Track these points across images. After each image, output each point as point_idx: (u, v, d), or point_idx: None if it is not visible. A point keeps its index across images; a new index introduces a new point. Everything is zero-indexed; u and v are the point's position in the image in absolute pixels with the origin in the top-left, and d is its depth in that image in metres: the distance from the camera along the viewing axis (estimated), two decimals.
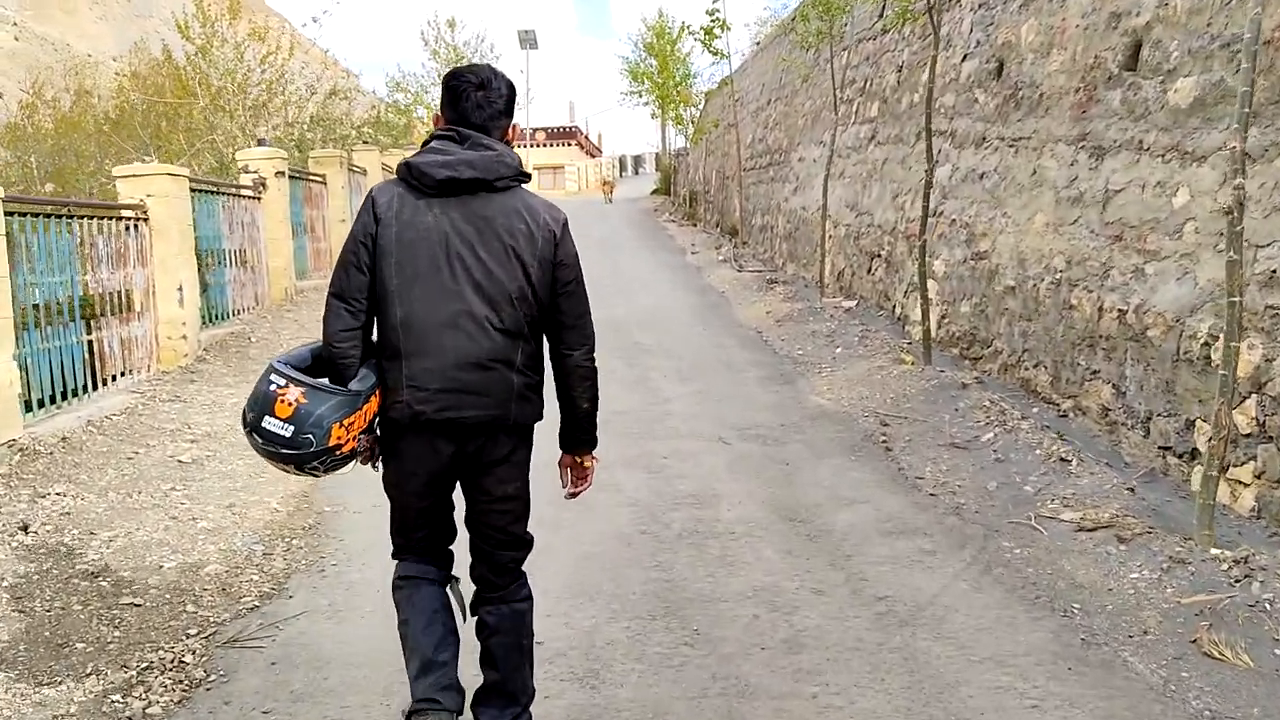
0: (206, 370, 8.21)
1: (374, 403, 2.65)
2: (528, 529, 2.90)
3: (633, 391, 7.82)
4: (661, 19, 43.53)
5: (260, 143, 11.37)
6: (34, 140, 20.00)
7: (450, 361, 2.60)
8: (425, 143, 2.73)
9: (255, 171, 11.11)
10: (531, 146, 51.43)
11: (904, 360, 8.32)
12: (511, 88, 2.77)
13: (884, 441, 6.37)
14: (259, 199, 11.13)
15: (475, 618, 2.88)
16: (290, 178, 12.24)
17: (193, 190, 9.18)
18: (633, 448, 6.27)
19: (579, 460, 2.93)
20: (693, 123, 25.82)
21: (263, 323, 10.29)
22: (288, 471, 2.64)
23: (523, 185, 2.74)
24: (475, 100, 2.68)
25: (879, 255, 10.79)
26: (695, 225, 24.00)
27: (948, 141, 9.23)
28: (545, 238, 2.67)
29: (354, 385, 2.61)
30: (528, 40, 47.26)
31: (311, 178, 13.64)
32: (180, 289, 8.28)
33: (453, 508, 2.87)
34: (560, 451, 2.92)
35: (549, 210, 2.74)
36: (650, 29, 43.59)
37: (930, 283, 9.01)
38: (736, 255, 16.56)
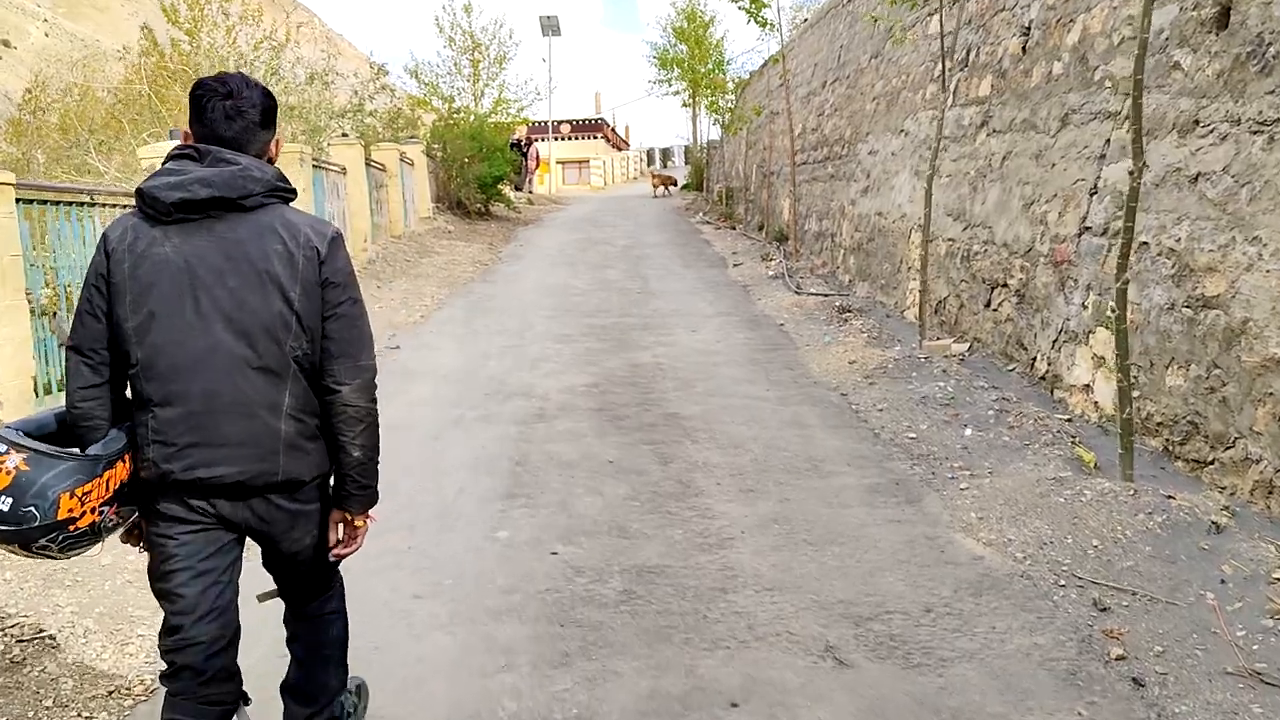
0: None
1: (121, 469, 2.33)
2: (334, 569, 2.76)
3: (669, 519, 5.00)
4: (693, 2, 40.81)
5: (173, 134, 8.62)
6: (38, 134, 18.44)
7: (200, 408, 2.32)
8: (163, 163, 2.40)
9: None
10: (556, 139, 48.88)
11: (1082, 460, 5.45)
12: (268, 97, 2.49)
13: (1120, 661, 3.54)
14: None
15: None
16: None
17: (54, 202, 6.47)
18: (669, 677, 3.48)
19: (349, 518, 2.60)
20: (730, 111, 22.89)
21: None
22: (14, 553, 2.27)
23: (284, 202, 2.44)
24: (223, 111, 2.38)
25: (1003, 284, 7.89)
26: (734, 227, 21.08)
27: (1120, 128, 6.36)
28: (307, 257, 2.38)
29: (95, 449, 2.31)
30: (550, 26, 44.52)
31: None
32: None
33: (235, 593, 2.50)
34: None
35: (314, 225, 2.45)
36: (681, 13, 40.90)
37: (1100, 331, 6.13)
38: (790, 270, 13.64)
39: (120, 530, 2.47)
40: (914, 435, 6.33)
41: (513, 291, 12.99)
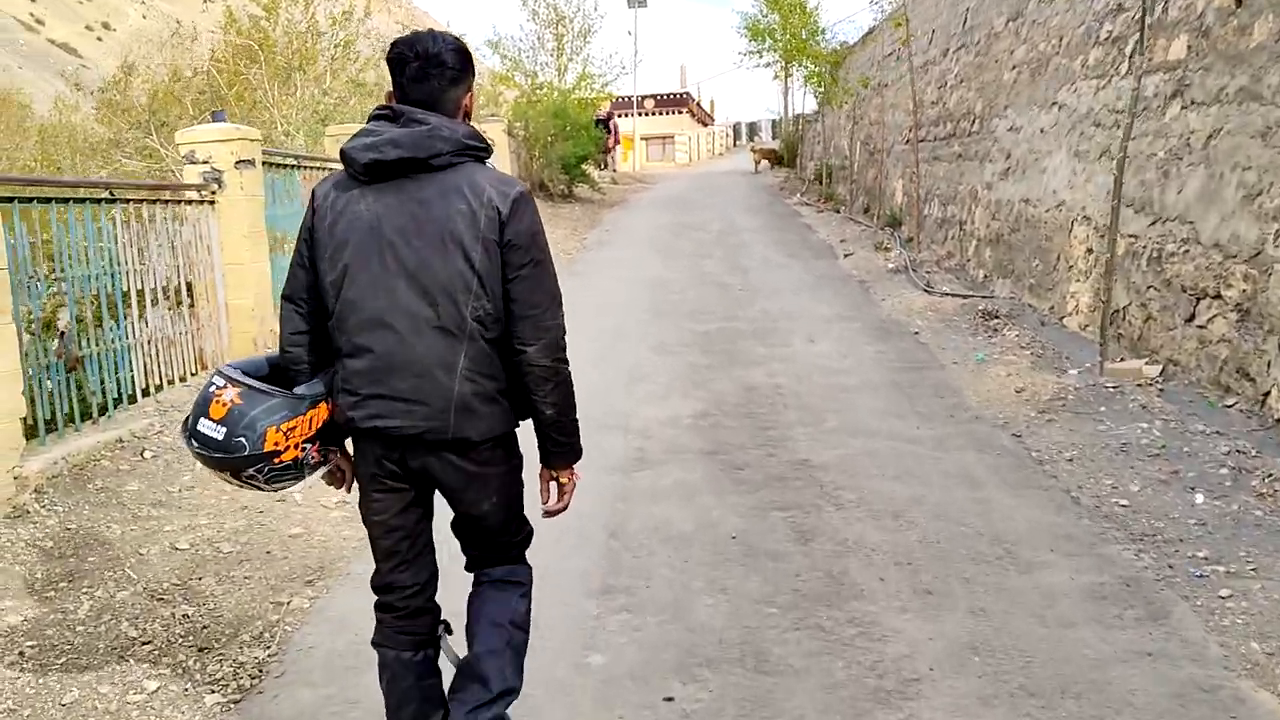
0: None
1: (323, 409, 2.48)
2: (522, 527, 2.76)
3: (823, 641, 3.61)
4: None
5: (215, 117, 7.46)
6: (126, 115, 18.04)
7: (382, 363, 2.40)
8: (367, 122, 2.47)
9: (205, 161, 7.24)
10: (640, 115, 47.48)
11: None
12: (460, 53, 2.47)
13: None
14: (213, 202, 7.25)
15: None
16: (274, 166, 8.36)
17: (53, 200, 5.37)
18: None
19: (555, 476, 2.66)
20: (832, 82, 21.19)
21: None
22: (229, 482, 2.49)
23: (476, 160, 2.45)
24: (412, 72, 2.42)
25: (1215, 295, 6.32)
26: (837, 210, 19.47)
27: None
28: (490, 217, 2.37)
29: (300, 389, 2.46)
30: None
31: (319, 164, 9.76)
32: None
33: (426, 544, 2.66)
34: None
35: (499, 184, 2.42)
36: None
37: None
38: (913, 264, 12.07)
39: (323, 470, 2.61)
40: (1125, 502, 4.85)
41: (601, 286, 11.68)
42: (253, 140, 7.44)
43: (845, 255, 13.61)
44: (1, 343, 4.69)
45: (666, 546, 4.50)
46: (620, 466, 5.47)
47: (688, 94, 57.81)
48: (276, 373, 2.55)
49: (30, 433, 5.18)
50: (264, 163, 8.10)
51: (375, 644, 2.69)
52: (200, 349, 7.02)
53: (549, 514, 2.71)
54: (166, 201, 6.69)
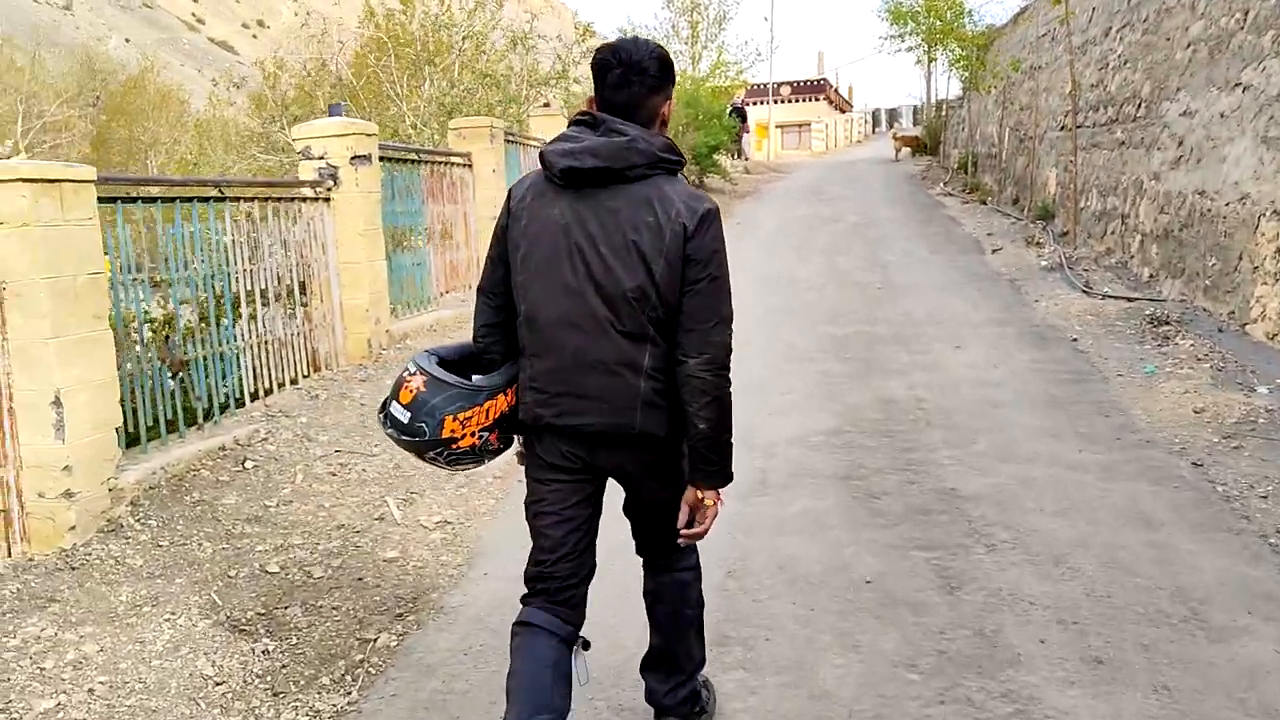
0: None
1: (502, 401, 2.57)
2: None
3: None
4: None
5: (332, 111, 7.27)
6: (267, 109, 18.95)
7: (570, 363, 2.48)
8: (568, 126, 2.56)
9: (321, 156, 7.05)
10: (775, 102, 46.57)
11: None
12: (662, 61, 2.53)
13: None
14: (327, 199, 7.07)
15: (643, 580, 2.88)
16: (394, 161, 8.15)
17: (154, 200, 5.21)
18: None
19: (698, 496, 2.57)
20: (980, 65, 20.04)
21: (306, 410, 6.23)
22: (414, 457, 2.63)
23: (668, 173, 2.49)
24: (614, 79, 2.49)
25: None
26: (984, 201, 18.39)
27: None
28: (675, 231, 2.41)
29: (479, 380, 2.56)
30: None
31: (442, 158, 9.55)
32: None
33: (593, 539, 2.70)
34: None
35: (688, 200, 2.45)
36: None
37: None
38: (1069, 261, 11.12)
39: (511, 451, 2.72)
40: None
41: (731, 283, 11.14)
42: (369, 135, 7.24)
43: (993, 250, 12.72)
44: (98, 350, 4.53)
45: (791, 590, 4.00)
46: (742, 492, 4.97)
47: (825, 80, 56.40)
48: (471, 359, 2.67)
49: (133, 439, 5.04)
50: (382, 158, 7.91)
51: (514, 631, 2.65)
52: (313, 350, 6.85)
53: (687, 538, 2.64)
54: (279, 199, 6.52)
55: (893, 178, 25.88)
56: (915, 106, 59.37)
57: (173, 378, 5.32)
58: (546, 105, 13.21)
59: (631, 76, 2.48)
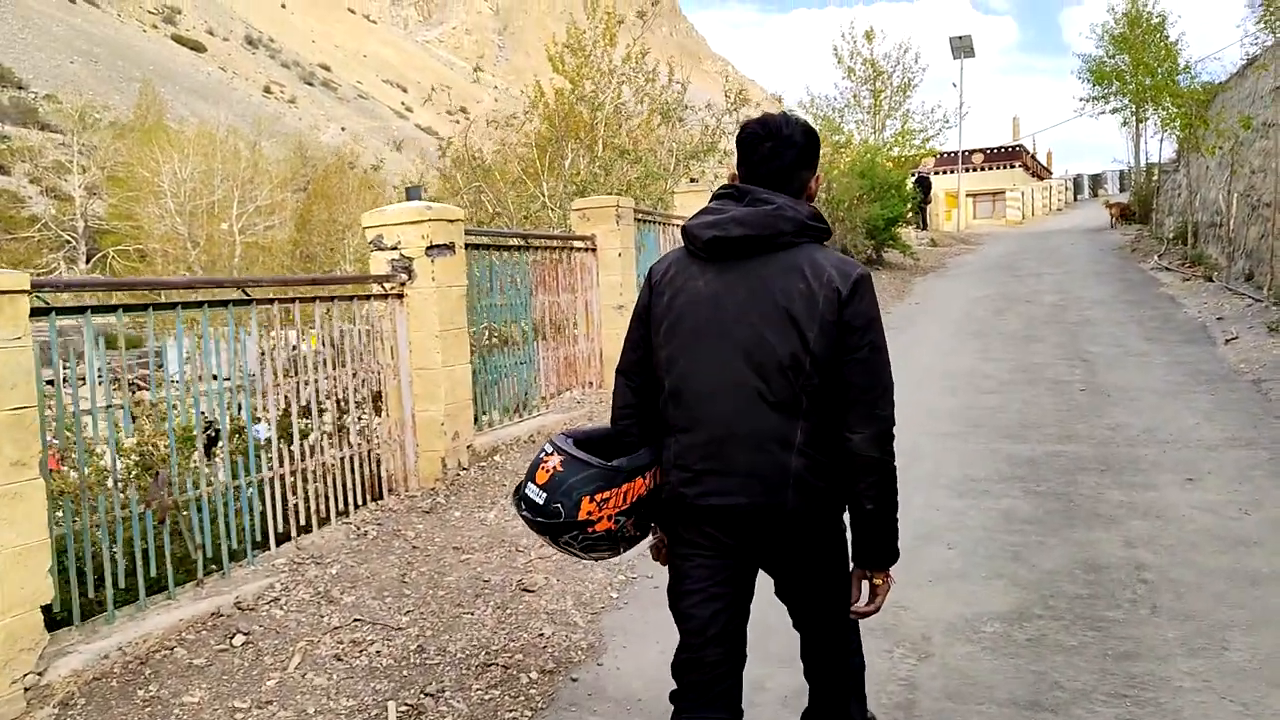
0: None
1: (639, 484, 2.48)
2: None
3: None
4: (1136, 2, 34.81)
5: (410, 195, 6.27)
6: (453, 191, 18.89)
7: (717, 437, 2.39)
8: (710, 202, 2.54)
9: (394, 246, 6.04)
10: (967, 169, 44.30)
11: None
12: (809, 135, 2.53)
13: None
14: (400, 295, 6.04)
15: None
16: (497, 249, 7.11)
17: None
18: None
19: (868, 575, 2.48)
20: (1202, 123, 17.60)
21: (344, 556, 5.11)
22: (546, 544, 2.78)
23: (816, 240, 2.45)
24: (763, 152, 2.48)
25: None
26: (1210, 278, 15.93)
27: None
28: (828, 297, 2.34)
29: (619, 461, 2.46)
30: (962, 48, 40.25)
31: (558, 243, 8.47)
32: None
33: (743, 623, 2.54)
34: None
35: (839, 266, 2.39)
36: (1123, 16, 35.02)
37: None
38: None
39: (641, 544, 2.64)
40: None
41: (898, 379, 9.53)
42: (451, 220, 6.17)
43: (1227, 340, 10.55)
44: (18, 506, 3.51)
45: None
46: (875, 711, 3.45)
47: (1020, 147, 53.41)
48: (609, 441, 2.57)
49: (94, 608, 4.01)
50: (479, 245, 6.87)
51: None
52: (374, 473, 5.77)
53: (859, 615, 2.52)
54: (332, 298, 5.51)
55: (1098, 249, 23.40)
56: (1121, 171, 55.48)
57: (158, 524, 4.29)
58: (694, 180, 12.07)
59: (781, 149, 2.47)
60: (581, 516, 2.40)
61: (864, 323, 2.36)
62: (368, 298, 5.80)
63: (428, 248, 5.98)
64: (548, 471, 2.44)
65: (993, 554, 4.97)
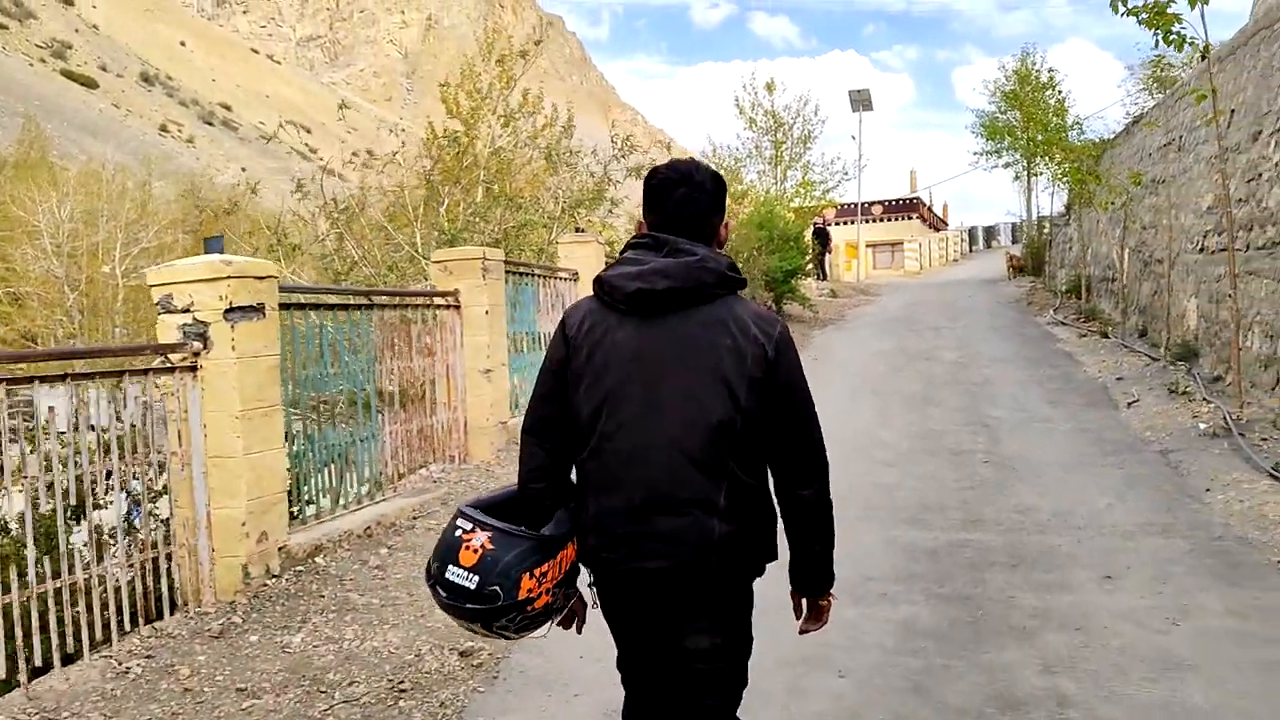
0: None
1: (570, 550, 2.39)
2: (738, 689, 2.50)
3: None
4: (1026, 60, 35.62)
5: (208, 247, 5.31)
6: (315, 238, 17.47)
7: (639, 500, 2.30)
8: (622, 251, 2.46)
9: (185, 309, 5.06)
10: (866, 221, 44.66)
11: None
12: (718, 180, 2.50)
13: None
14: (191, 369, 5.04)
15: None
16: (328, 308, 6.17)
17: None
18: None
19: (814, 599, 2.55)
20: (1092, 178, 17.55)
21: (100, 705, 4.05)
22: (475, 632, 2.37)
23: (733, 292, 2.40)
24: (676, 199, 2.42)
25: None
26: (1106, 334, 15.72)
27: None
28: (755, 355, 2.32)
29: (547, 529, 2.35)
30: (860, 101, 40.58)
31: (414, 299, 7.56)
32: None
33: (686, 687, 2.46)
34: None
35: (761, 322, 2.37)
36: (1013, 74, 35.80)
37: None
38: (1235, 423, 8.46)
39: (564, 614, 2.48)
40: None
41: None
42: (261, 277, 5.21)
43: (1129, 403, 10.13)
44: None
45: None
46: None
47: (918, 199, 54.36)
48: (513, 508, 2.42)
49: None
50: (305, 305, 5.92)
51: None
52: (154, 587, 4.72)
53: (806, 631, 2.59)
54: (91, 376, 4.49)
55: (994, 302, 23.35)
56: (1014, 224, 56.77)
57: None
58: (580, 230, 11.30)
59: (695, 195, 2.42)
60: (522, 596, 2.24)
61: (793, 379, 2.36)
62: (145, 372, 4.79)
63: (227, 310, 5.00)
64: (475, 551, 2.23)
65: (891, 684, 4.16)
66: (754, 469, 2.37)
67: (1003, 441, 8.73)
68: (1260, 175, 10.51)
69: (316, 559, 5.63)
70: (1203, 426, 8.55)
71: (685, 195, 2.40)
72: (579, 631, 2.56)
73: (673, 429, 2.28)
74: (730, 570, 2.35)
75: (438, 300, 7.84)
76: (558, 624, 2.49)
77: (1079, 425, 9.28)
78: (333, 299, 6.53)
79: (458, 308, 8.03)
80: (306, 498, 6.05)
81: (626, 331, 2.33)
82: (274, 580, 5.28)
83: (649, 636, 2.43)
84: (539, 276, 9.66)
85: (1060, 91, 33.63)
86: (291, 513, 5.76)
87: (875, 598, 5.14)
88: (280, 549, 5.36)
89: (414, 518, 6.53)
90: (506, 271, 8.79)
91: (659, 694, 2.50)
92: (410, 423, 7.31)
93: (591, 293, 2.45)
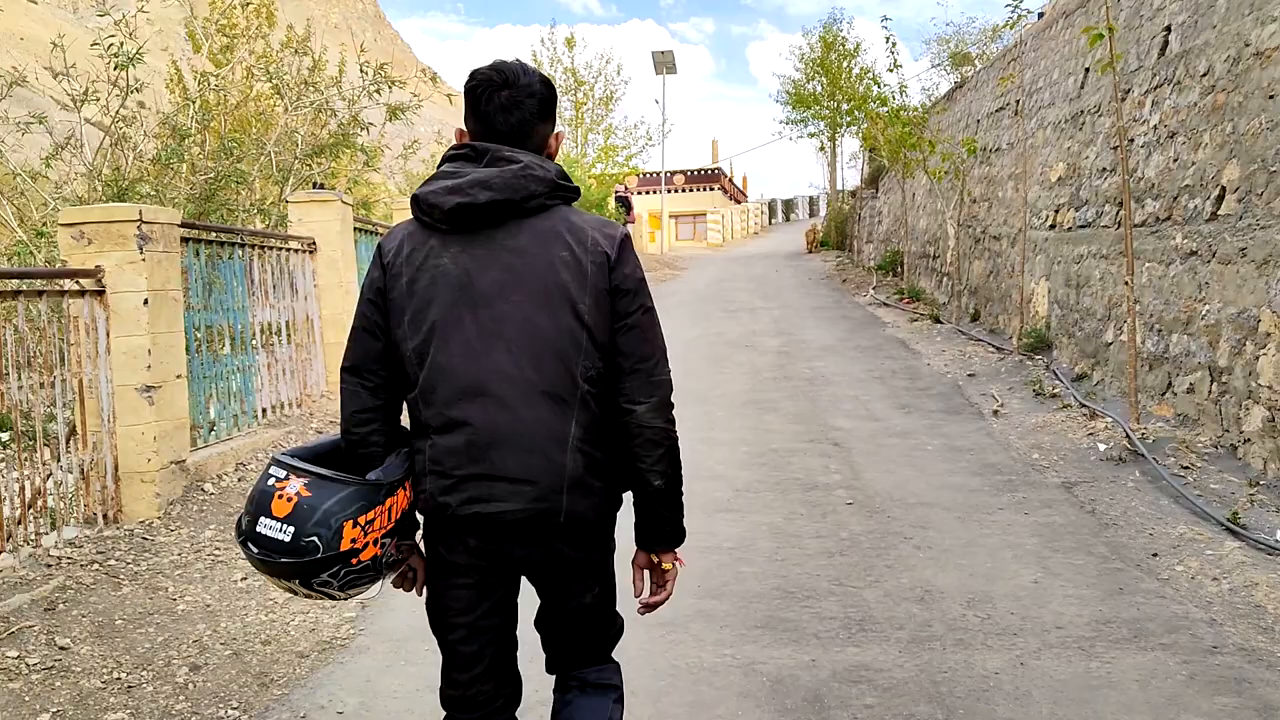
0: None
1: (402, 496, 2.08)
2: (615, 620, 2.31)
3: None
4: (831, 28, 34.67)
5: None
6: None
7: (480, 439, 2.02)
8: (440, 165, 2.14)
9: None
10: (670, 191, 43.06)
11: None
12: (546, 85, 2.15)
13: None
14: None
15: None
16: None
17: None
18: None
19: (655, 561, 2.23)
20: (906, 147, 16.11)
21: None
22: (294, 592, 1.99)
23: (566, 202, 2.14)
24: (499, 102, 2.10)
25: None
26: (935, 318, 14.32)
27: None
28: (596, 263, 2.07)
29: (375, 475, 2.04)
30: (664, 63, 38.78)
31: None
32: None
33: (512, 652, 2.24)
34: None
35: (600, 226, 2.13)
36: (819, 40, 34.85)
37: None
38: (1143, 442, 6.85)
39: (398, 570, 2.20)
40: None
41: None
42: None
43: (994, 410, 8.47)
44: None
45: None
46: None
47: (720, 170, 53.44)
48: (337, 458, 2.11)
49: None
50: None
51: None
52: None
53: (649, 607, 2.27)
54: None
55: (805, 278, 22.00)
56: (812, 197, 56.75)
57: None
58: (319, 187, 8.67)
59: (520, 99, 2.11)
60: (345, 546, 1.93)
61: (634, 285, 2.12)
62: None
63: None
64: (288, 500, 1.92)
65: None
66: (605, 396, 2.09)
67: (862, 468, 6.81)
68: (1133, 141, 9.06)
69: None
70: (1102, 448, 6.89)
71: (509, 99, 2.09)
72: (419, 593, 2.21)
73: (511, 358, 2.01)
74: (586, 508, 2.06)
75: (63, 285, 5.13)
76: (391, 582, 2.18)
77: (948, 443, 7.49)
78: None
79: (99, 294, 5.34)
80: None
81: (451, 253, 2.04)
82: None
83: (493, 590, 2.11)
84: (251, 247, 7.01)
85: (866, 61, 32.87)
86: None
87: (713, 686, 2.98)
88: None
89: None
90: (192, 240, 6.13)
91: (503, 651, 2.20)
92: None
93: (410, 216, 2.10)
